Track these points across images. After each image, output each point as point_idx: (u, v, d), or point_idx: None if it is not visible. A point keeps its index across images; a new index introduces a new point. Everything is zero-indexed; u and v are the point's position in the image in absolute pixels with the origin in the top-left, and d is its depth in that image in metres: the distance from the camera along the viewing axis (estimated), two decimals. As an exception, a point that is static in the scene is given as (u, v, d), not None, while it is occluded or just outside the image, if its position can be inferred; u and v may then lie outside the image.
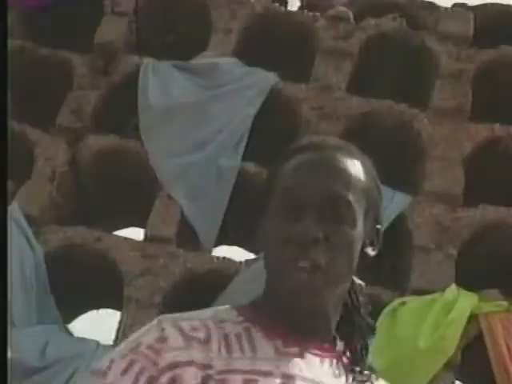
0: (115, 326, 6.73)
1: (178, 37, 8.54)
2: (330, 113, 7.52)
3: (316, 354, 1.39)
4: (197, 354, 1.31)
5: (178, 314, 1.41)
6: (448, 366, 6.27)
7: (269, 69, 7.80)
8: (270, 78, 7.74)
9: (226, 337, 1.36)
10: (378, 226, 1.47)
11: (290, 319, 1.40)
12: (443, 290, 6.49)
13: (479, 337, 6.33)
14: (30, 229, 7.01)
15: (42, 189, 7.33)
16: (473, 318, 6.36)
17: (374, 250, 1.46)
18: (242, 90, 7.63)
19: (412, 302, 6.49)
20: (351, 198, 1.39)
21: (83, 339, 6.80)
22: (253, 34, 8.23)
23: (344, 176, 1.40)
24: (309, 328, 1.41)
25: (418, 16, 8.52)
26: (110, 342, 6.63)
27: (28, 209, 7.11)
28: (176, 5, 8.51)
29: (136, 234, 7.77)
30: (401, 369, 6.12)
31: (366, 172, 1.44)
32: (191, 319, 1.38)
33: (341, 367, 1.42)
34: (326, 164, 1.41)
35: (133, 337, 1.36)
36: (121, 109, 7.76)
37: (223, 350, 1.33)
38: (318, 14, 8.29)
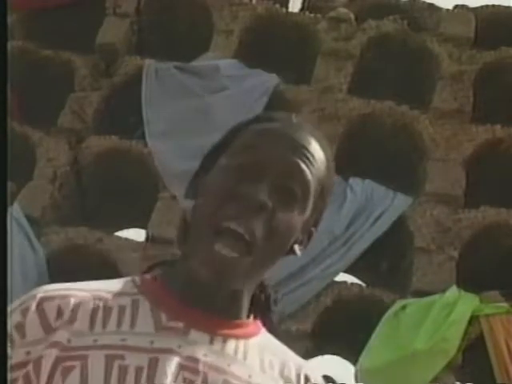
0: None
1: (179, 38, 8.55)
2: (331, 114, 7.52)
3: (218, 334, 1.24)
4: (59, 336, 1.19)
5: (60, 286, 1.31)
6: (449, 366, 6.27)
7: (270, 70, 7.80)
8: (271, 80, 7.75)
9: (106, 310, 1.24)
10: (313, 229, 1.33)
11: (197, 290, 1.25)
12: (444, 291, 6.49)
13: (480, 338, 6.33)
14: (31, 229, 7.02)
15: (44, 189, 7.34)
16: (474, 319, 6.36)
17: (300, 250, 1.31)
18: (244, 92, 7.63)
19: (413, 304, 6.49)
20: (311, 179, 1.26)
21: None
22: (254, 35, 8.24)
23: (310, 158, 1.27)
24: (215, 304, 1.25)
25: (419, 17, 8.52)
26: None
27: (30, 210, 7.12)
28: (177, 6, 8.52)
29: (138, 235, 7.78)
30: (402, 370, 6.13)
31: (328, 168, 1.31)
32: (69, 291, 1.29)
33: (249, 346, 1.25)
34: (295, 138, 1.28)
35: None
36: (122, 110, 7.77)
37: (96, 325, 1.21)
38: (319, 15, 8.30)
